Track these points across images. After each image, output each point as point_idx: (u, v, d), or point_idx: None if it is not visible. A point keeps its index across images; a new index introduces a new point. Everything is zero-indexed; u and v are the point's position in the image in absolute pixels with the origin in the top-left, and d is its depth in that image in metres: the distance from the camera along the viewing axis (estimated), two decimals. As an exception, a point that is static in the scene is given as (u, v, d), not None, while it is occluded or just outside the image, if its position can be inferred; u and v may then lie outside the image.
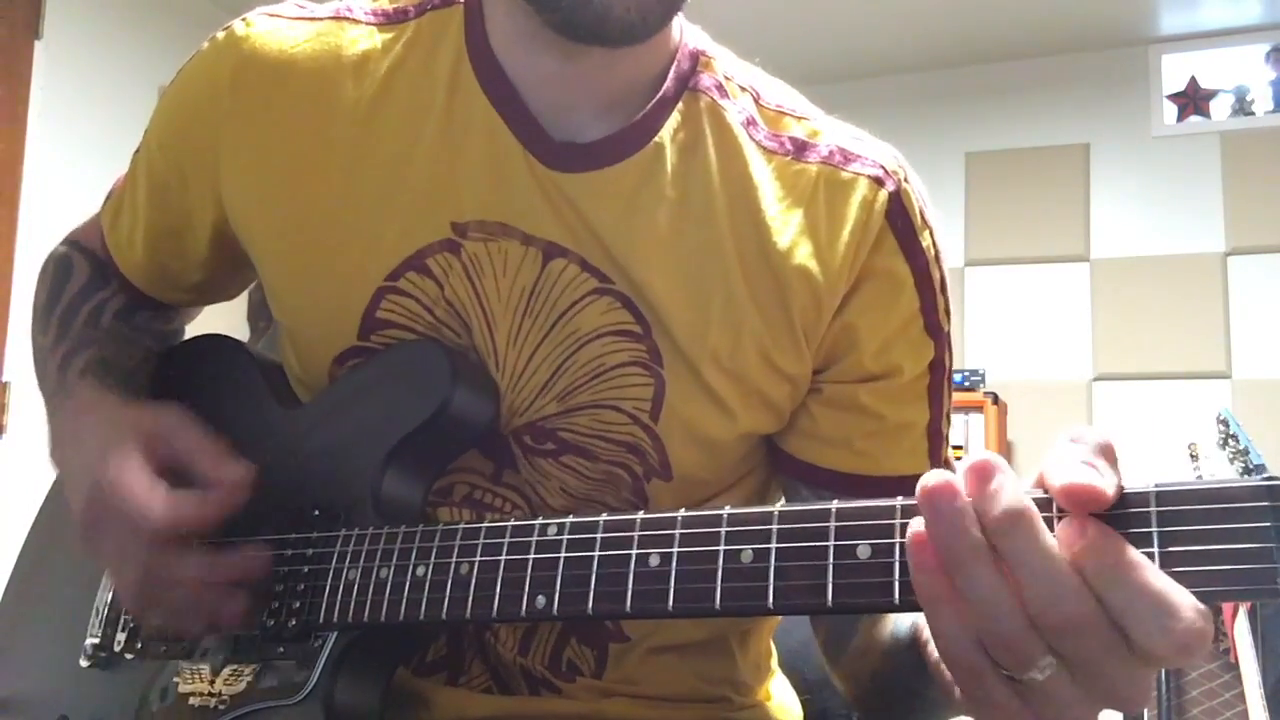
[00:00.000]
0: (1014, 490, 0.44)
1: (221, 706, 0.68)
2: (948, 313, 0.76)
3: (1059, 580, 0.43)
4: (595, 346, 0.72)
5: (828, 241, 0.72)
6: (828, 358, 0.74)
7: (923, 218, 0.75)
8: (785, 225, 0.72)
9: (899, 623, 0.66)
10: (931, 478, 0.45)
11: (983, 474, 0.45)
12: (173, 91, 0.81)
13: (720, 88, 0.76)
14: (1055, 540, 0.44)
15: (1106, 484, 0.43)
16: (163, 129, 0.81)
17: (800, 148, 0.75)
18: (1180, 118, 3.73)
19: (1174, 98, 3.74)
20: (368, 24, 0.76)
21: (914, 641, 0.63)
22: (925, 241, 0.74)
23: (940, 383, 0.77)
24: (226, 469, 0.70)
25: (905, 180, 0.75)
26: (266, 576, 0.68)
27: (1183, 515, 0.42)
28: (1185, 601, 0.41)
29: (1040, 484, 0.46)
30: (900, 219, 0.73)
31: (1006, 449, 3.39)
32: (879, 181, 0.73)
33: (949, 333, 0.77)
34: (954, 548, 0.44)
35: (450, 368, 0.70)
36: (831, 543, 0.50)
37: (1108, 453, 0.45)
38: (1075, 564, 0.43)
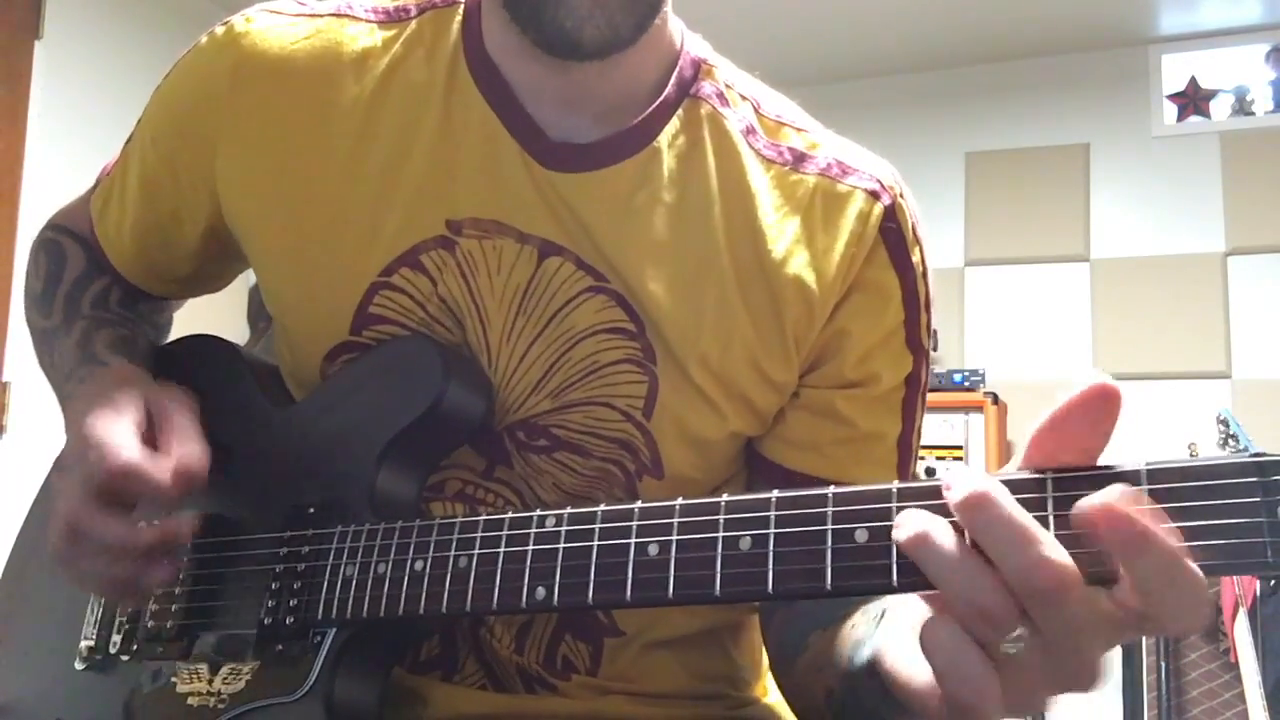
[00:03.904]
0: (969, 482, 0.44)
1: (221, 705, 0.68)
2: (929, 330, 0.77)
3: (1028, 543, 0.42)
4: (589, 344, 0.73)
5: (823, 252, 0.73)
6: (812, 364, 0.75)
7: (915, 234, 0.75)
8: (781, 234, 0.73)
9: (858, 651, 0.61)
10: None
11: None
12: (168, 86, 0.81)
13: (721, 96, 0.76)
14: (1020, 510, 0.43)
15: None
16: (157, 123, 0.81)
17: (799, 158, 0.75)
18: (1180, 118, 3.72)
19: (1174, 98, 3.73)
20: (368, 21, 0.77)
21: (874, 670, 0.59)
22: (915, 257, 0.75)
23: (915, 398, 0.77)
24: (187, 446, 0.68)
25: (901, 196, 0.76)
26: (184, 548, 0.67)
27: (1174, 492, 0.43)
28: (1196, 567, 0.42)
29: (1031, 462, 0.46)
30: (894, 233, 0.74)
31: (1006, 449, 3.38)
32: (875, 195, 0.74)
33: (929, 350, 0.78)
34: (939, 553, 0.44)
35: (443, 363, 0.70)
36: (829, 527, 0.50)
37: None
38: (1106, 530, 0.41)
